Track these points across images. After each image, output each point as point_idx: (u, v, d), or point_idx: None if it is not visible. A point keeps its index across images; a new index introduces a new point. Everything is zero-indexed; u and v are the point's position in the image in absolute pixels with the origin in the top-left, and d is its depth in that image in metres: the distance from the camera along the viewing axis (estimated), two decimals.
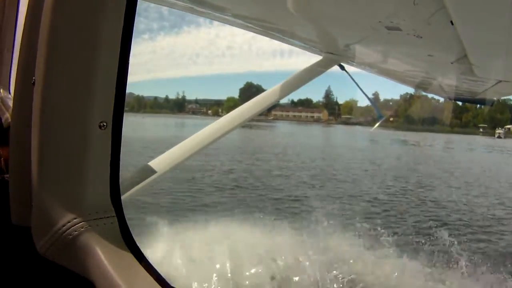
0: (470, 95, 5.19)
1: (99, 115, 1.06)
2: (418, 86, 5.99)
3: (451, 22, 1.91)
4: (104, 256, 1.01)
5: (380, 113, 4.52)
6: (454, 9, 1.74)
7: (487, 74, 3.49)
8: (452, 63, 3.17)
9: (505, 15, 1.76)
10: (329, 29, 3.18)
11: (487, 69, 3.22)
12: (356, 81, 3.99)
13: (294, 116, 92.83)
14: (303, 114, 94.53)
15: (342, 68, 4.07)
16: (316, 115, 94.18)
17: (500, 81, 3.72)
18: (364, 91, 4.01)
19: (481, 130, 69.55)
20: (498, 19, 1.86)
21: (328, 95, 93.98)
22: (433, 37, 2.50)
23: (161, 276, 1.01)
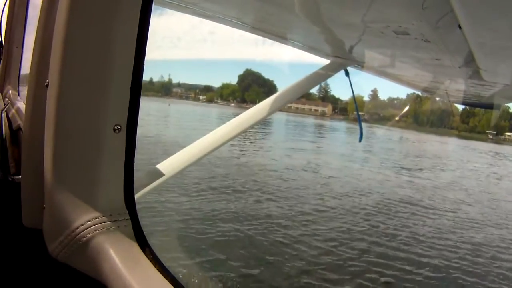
0: (477, 99, 5.17)
1: (113, 118, 1.07)
2: (426, 90, 5.97)
3: (459, 26, 1.90)
4: (118, 259, 1.00)
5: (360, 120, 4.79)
6: (462, 13, 1.73)
7: (495, 78, 3.48)
8: (460, 67, 3.16)
9: None
10: (336, 33, 3.18)
11: (495, 73, 3.21)
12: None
13: (297, 108, 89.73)
14: (307, 107, 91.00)
15: (347, 74, 4.08)
16: (320, 109, 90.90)
17: (508, 85, 3.70)
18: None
19: (490, 136, 68.64)
20: (506, 22, 1.85)
21: (324, 88, 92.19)
22: (441, 41, 2.49)
23: (176, 279, 1.01)
